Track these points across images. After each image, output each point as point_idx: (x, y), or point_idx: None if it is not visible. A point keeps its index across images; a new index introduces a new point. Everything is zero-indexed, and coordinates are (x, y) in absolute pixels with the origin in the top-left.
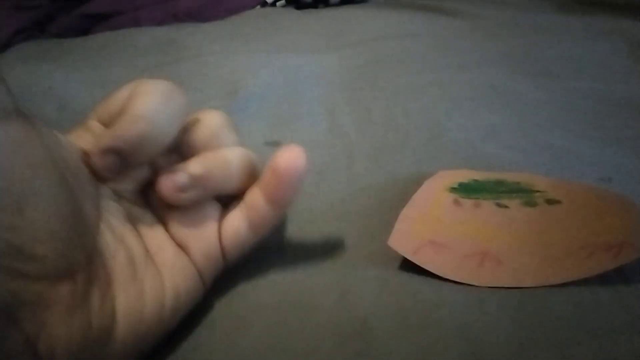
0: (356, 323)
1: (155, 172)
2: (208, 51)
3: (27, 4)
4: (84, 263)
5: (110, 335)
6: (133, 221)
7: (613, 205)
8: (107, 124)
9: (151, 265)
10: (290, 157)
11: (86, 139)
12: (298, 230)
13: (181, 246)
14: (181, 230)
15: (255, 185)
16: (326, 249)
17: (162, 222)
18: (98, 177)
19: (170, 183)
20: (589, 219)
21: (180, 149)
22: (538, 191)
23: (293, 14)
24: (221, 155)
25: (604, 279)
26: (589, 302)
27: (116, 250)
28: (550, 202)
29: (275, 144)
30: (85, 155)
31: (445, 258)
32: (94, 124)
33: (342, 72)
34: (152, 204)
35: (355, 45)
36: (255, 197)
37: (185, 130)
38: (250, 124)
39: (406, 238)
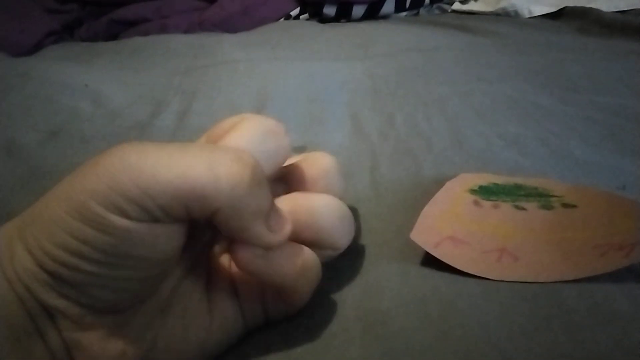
0: (379, 312)
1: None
2: (237, 58)
3: (58, 8)
4: (136, 303)
5: None
6: (210, 247)
7: (625, 210)
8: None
9: (205, 301)
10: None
11: None
12: None
13: (234, 288)
14: (236, 275)
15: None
16: (351, 245)
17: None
18: None
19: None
20: (602, 222)
21: (289, 180)
22: (555, 196)
23: (317, 26)
24: (310, 201)
25: (615, 276)
26: (601, 296)
27: (177, 286)
28: (566, 205)
29: (301, 149)
30: None
31: (464, 253)
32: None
33: (366, 81)
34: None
35: (379, 57)
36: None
37: (297, 165)
38: None
39: (427, 233)
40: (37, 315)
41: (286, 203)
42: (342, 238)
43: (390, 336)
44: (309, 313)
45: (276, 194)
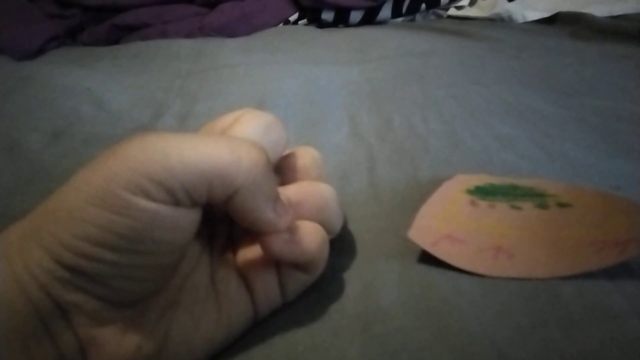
0: (378, 311)
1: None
2: (236, 62)
3: (60, 14)
4: (152, 295)
5: (158, 356)
6: (211, 243)
7: (620, 207)
8: None
9: (212, 295)
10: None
11: None
12: None
13: (244, 279)
14: (247, 264)
15: None
16: (350, 245)
17: (233, 248)
18: None
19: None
20: (598, 220)
21: (283, 171)
22: (550, 195)
23: (315, 31)
24: (317, 188)
25: (611, 274)
26: (596, 292)
27: (187, 279)
28: (561, 205)
29: None
30: None
31: (461, 251)
32: None
33: (364, 84)
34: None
35: (376, 61)
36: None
37: (288, 156)
38: None
39: (425, 232)
40: (49, 316)
41: (295, 190)
42: (340, 222)
43: (389, 334)
44: (310, 311)
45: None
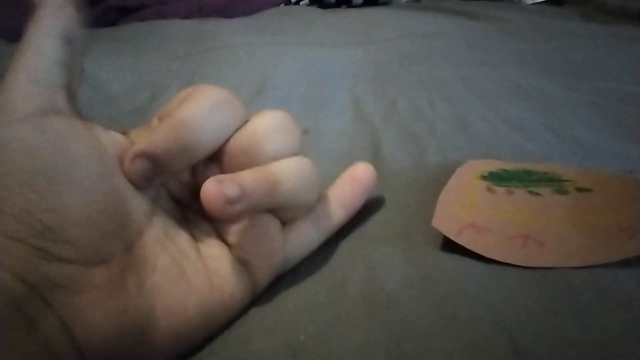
0: (383, 295)
1: (198, 180)
2: (237, 42)
3: None
4: (121, 251)
5: (149, 329)
6: (190, 227)
7: None
8: None
9: (202, 271)
10: (365, 170)
11: (144, 137)
12: None
13: (242, 261)
14: (243, 247)
15: (323, 196)
16: (354, 228)
17: (221, 233)
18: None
19: (219, 195)
20: (622, 204)
21: (218, 155)
22: (567, 180)
23: (317, 12)
24: (270, 173)
25: (623, 260)
26: (608, 280)
27: (164, 247)
28: (580, 190)
29: (305, 132)
30: (119, 159)
31: (487, 240)
32: (155, 123)
33: (368, 65)
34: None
35: (380, 42)
36: (328, 206)
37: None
38: None
39: (448, 220)
40: (24, 301)
41: (252, 177)
42: (311, 195)
43: (395, 321)
44: (312, 297)
45: (209, 170)
